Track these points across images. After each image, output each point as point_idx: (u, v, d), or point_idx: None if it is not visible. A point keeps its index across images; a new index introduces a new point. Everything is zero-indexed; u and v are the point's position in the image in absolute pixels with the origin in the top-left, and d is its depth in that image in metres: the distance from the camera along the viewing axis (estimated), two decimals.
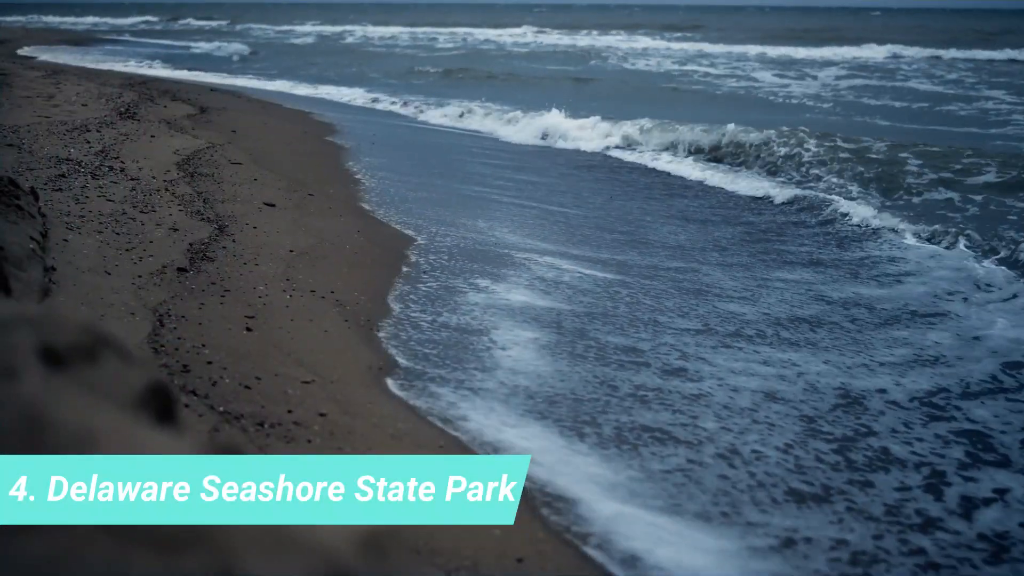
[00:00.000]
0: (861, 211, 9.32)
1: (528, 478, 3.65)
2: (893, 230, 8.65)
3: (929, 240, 8.26)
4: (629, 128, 14.23)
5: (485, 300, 5.83)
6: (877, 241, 8.42)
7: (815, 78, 26.76)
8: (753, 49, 39.14)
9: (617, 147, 13.89)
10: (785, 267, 7.56)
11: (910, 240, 8.34)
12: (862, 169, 11.42)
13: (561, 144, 14.42)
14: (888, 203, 10.21)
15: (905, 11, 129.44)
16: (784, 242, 8.52)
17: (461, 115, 16.96)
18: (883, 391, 4.88)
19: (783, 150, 12.35)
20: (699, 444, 4.11)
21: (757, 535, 3.41)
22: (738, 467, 3.92)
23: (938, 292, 6.77)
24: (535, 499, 3.52)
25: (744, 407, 4.57)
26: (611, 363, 4.99)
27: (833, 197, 10.05)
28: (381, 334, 5.03)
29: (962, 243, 8.05)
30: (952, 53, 35.00)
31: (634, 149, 13.68)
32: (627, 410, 4.41)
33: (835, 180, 11.17)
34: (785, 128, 13.05)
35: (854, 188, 10.81)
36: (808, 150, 12.23)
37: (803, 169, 11.75)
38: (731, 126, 13.41)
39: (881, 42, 39.96)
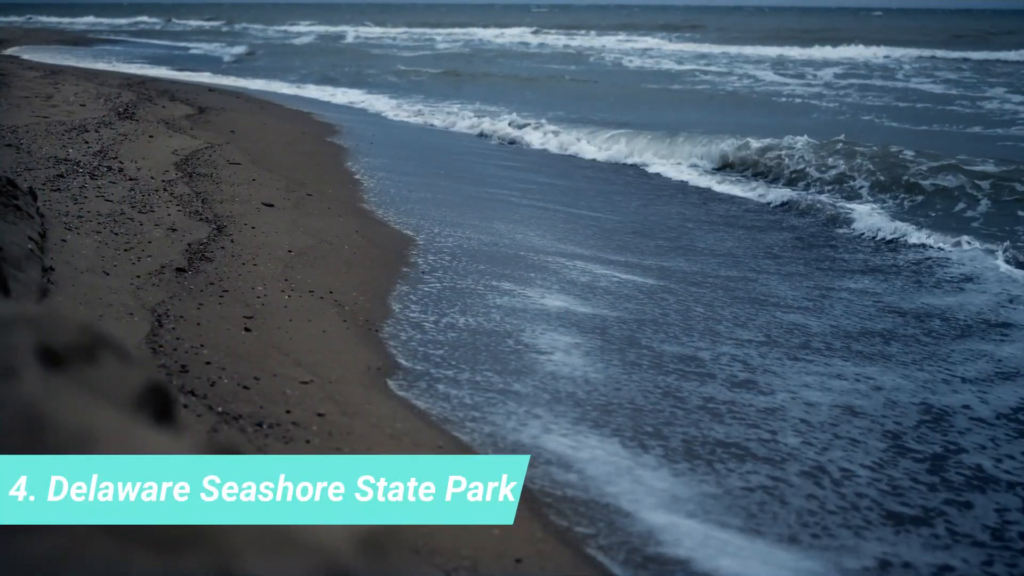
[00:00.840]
0: (881, 217, 9.24)
1: (589, 491, 3.56)
2: (932, 237, 8.46)
3: (969, 244, 8.13)
4: (637, 137, 13.94)
5: (509, 303, 5.72)
6: (920, 247, 8.27)
7: (816, 77, 26.79)
8: (754, 50, 39.16)
9: (628, 156, 13.48)
10: (846, 275, 7.40)
11: (950, 245, 8.19)
12: (878, 172, 11.25)
13: (556, 150, 14.25)
14: (911, 206, 10.15)
15: (904, 11, 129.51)
16: (835, 248, 8.39)
17: (460, 117, 16.78)
18: (967, 407, 4.73)
19: (807, 157, 12.05)
20: (782, 461, 3.96)
21: (850, 557, 3.28)
22: (826, 487, 3.79)
23: (1000, 300, 6.65)
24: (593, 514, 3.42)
25: (823, 422, 4.40)
26: (671, 373, 4.87)
27: (853, 205, 9.92)
28: (380, 334, 5.02)
29: (1002, 246, 7.94)
30: (953, 53, 35.02)
31: (637, 157, 13.36)
32: (696, 423, 4.27)
33: (857, 185, 11.02)
34: (811, 137, 12.63)
35: (873, 192, 10.72)
36: (827, 158, 11.95)
37: (825, 176, 11.52)
38: (727, 141, 13.25)
39: (883, 43, 39.98)
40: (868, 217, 9.36)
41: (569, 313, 5.67)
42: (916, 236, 8.56)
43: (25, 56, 25.20)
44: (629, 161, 13.25)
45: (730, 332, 5.66)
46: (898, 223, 8.99)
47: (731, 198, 10.97)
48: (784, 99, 21.48)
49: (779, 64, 31.87)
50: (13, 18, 61.93)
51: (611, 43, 45.10)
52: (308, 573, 0.72)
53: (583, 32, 55.41)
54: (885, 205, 10.20)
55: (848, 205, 10.06)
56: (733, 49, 39.68)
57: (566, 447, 3.91)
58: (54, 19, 62.97)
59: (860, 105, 20.05)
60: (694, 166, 12.74)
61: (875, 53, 35.96)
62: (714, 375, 4.90)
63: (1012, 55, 33.18)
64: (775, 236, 8.88)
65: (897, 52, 36.14)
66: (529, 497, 3.49)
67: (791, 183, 11.60)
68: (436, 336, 5.06)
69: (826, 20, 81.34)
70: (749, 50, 38.90)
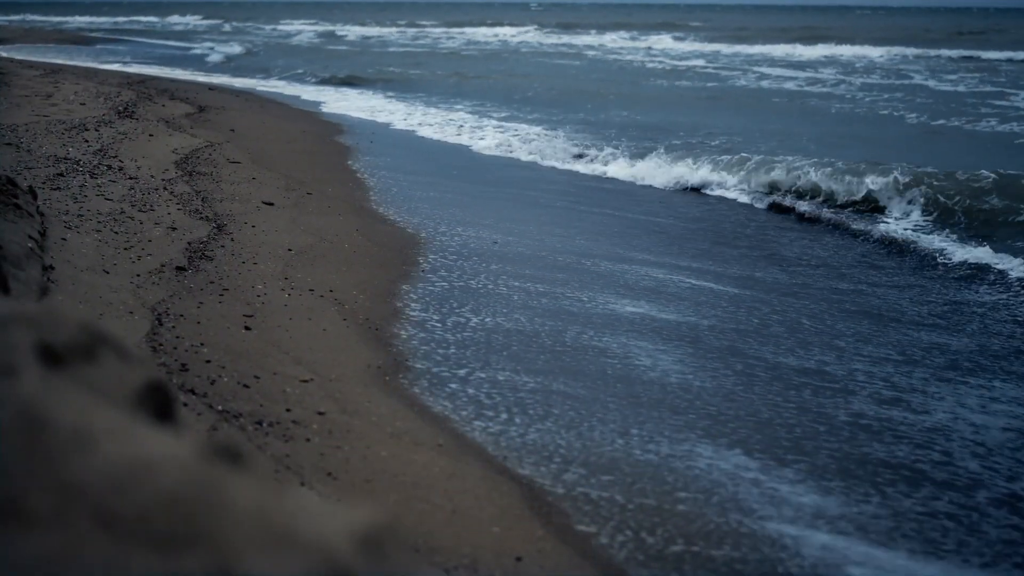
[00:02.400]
0: (955, 234, 8.71)
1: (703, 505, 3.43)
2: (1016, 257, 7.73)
3: None
4: (671, 150, 12.31)
5: (549, 305, 5.62)
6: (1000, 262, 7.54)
7: (819, 72, 26.75)
8: (757, 48, 39.15)
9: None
10: (962, 286, 7.00)
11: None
12: (930, 187, 10.14)
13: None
14: (982, 220, 9.39)
15: (905, 10, 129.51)
16: (934, 255, 7.92)
17: (469, 123, 16.25)
18: None
19: (858, 180, 10.71)
20: (968, 487, 3.76)
21: None
22: None
23: None
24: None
25: (1001, 445, 4.16)
26: (801, 387, 4.65)
27: (924, 221, 9.38)
28: (381, 333, 5.02)
29: None
30: (957, 52, 35.00)
31: (678, 173, 11.74)
32: (849, 440, 4.06)
33: (918, 203, 9.96)
34: (838, 141, 11.92)
35: (938, 209, 9.74)
36: (872, 177, 10.65)
37: (884, 196, 10.23)
38: (767, 160, 12.48)
39: (886, 42, 39.99)
40: (953, 239, 8.60)
41: (647, 318, 5.48)
42: (992, 256, 7.75)
43: (22, 56, 25.17)
44: (671, 175, 11.58)
45: (856, 348, 5.38)
46: (978, 244, 8.23)
47: (791, 209, 10.07)
48: (792, 100, 21.38)
49: (783, 62, 31.83)
50: (13, 17, 61.91)
51: (614, 41, 45.09)
52: (308, 572, 0.72)
53: (584, 30, 55.37)
54: (951, 222, 9.35)
55: (918, 221, 9.36)
56: (734, 48, 39.65)
57: (657, 455, 3.78)
58: (52, 18, 62.90)
59: (876, 102, 19.88)
60: (742, 188, 11.10)
61: (879, 53, 35.89)
62: (854, 391, 4.66)
63: (1011, 54, 33.13)
64: (865, 246, 8.46)
65: (903, 51, 36.11)
66: (531, 495, 3.49)
67: (843, 206, 10.33)
68: (444, 335, 5.04)
69: (826, 18, 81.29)
70: (753, 49, 38.86)
